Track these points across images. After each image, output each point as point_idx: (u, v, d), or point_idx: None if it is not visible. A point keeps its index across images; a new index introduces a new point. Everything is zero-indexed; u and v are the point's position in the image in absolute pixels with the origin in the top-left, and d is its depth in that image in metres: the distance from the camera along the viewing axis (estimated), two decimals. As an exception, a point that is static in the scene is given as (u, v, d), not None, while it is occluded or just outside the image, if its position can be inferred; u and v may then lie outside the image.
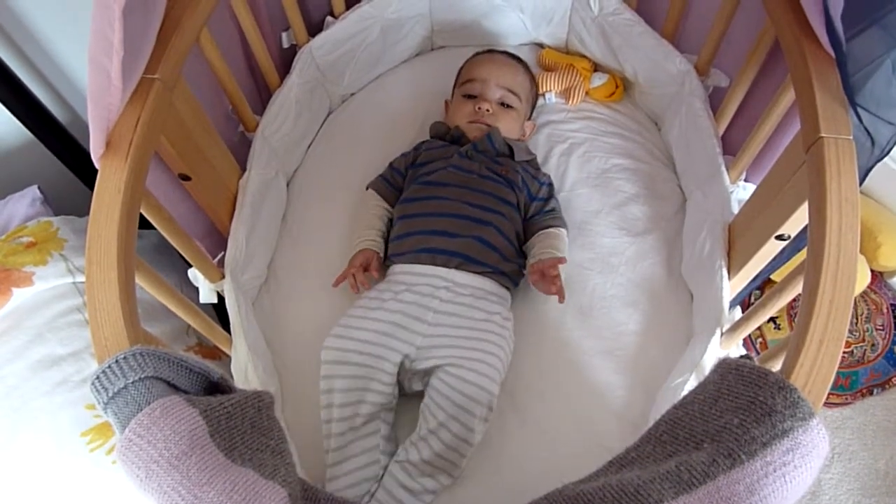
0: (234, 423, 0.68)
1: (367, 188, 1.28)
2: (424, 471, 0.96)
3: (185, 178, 1.02)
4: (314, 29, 1.40)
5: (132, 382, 0.65)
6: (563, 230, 1.19)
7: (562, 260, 1.09)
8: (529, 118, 1.41)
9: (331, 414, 1.00)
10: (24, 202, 1.29)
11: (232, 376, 1.04)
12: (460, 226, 1.14)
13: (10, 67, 1.17)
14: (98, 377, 0.65)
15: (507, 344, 1.05)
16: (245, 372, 1.02)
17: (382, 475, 0.98)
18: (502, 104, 1.31)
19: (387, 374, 1.02)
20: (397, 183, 1.28)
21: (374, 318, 1.06)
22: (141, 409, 0.63)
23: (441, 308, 1.08)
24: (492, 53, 1.39)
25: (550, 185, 1.26)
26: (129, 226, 0.79)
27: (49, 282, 1.12)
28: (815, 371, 0.66)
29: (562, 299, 1.07)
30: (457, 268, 1.11)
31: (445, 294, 1.09)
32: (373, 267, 1.15)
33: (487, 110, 1.28)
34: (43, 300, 1.11)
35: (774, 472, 0.59)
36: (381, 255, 1.19)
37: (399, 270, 1.14)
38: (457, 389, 0.98)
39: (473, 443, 0.98)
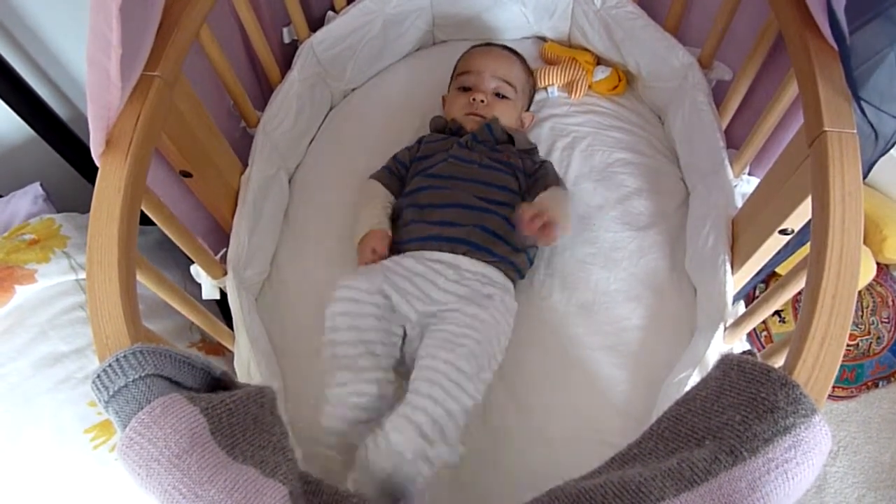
0: (236, 419, 0.68)
1: (369, 178, 1.28)
2: (422, 434, 0.90)
3: (187, 174, 1.02)
4: (315, 24, 1.39)
5: (133, 381, 0.65)
6: (557, 187, 1.19)
7: (539, 206, 1.08)
8: (528, 110, 1.40)
9: (335, 350, 1.01)
10: (27, 199, 1.29)
11: (235, 372, 1.04)
12: (465, 216, 1.14)
13: (11, 64, 1.17)
14: (99, 376, 0.65)
15: (505, 322, 1.04)
16: (248, 368, 1.02)
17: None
18: (497, 95, 1.31)
19: (395, 324, 1.05)
20: (400, 173, 1.28)
21: (382, 279, 1.08)
22: (142, 408, 0.63)
23: (445, 286, 1.08)
24: (487, 46, 1.40)
25: (544, 162, 1.26)
26: (130, 224, 0.79)
27: (52, 279, 1.12)
28: (818, 367, 0.66)
29: (547, 241, 1.07)
30: (463, 254, 1.11)
31: (452, 274, 1.09)
32: (384, 245, 1.16)
33: (482, 101, 1.28)
34: (46, 297, 1.11)
35: (777, 468, 0.59)
36: (389, 232, 1.18)
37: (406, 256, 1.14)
38: (450, 340, 0.98)
39: (466, 405, 0.94)
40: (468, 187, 1.17)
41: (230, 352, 1.06)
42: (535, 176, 1.22)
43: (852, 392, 1.56)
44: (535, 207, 1.07)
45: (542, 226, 1.04)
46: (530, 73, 1.41)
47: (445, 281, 1.08)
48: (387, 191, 1.25)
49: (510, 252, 1.13)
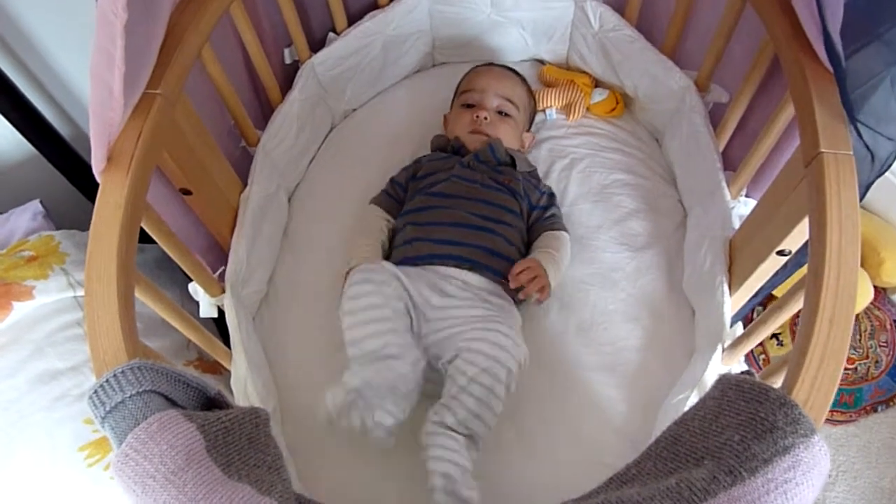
0: (232, 438, 0.68)
1: (369, 203, 1.29)
2: (461, 431, 0.94)
3: (187, 192, 1.02)
4: (316, 45, 1.41)
5: (130, 397, 0.65)
6: (564, 233, 1.20)
7: (531, 261, 1.10)
8: (528, 130, 1.41)
9: (354, 333, 1.01)
10: (26, 216, 1.29)
11: (231, 391, 1.04)
12: (468, 235, 1.14)
13: (12, 81, 1.18)
14: (96, 391, 0.65)
15: (515, 335, 1.04)
16: (244, 386, 1.01)
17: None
18: (500, 113, 1.32)
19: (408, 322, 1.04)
20: (399, 196, 1.29)
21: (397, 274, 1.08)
22: (138, 424, 0.62)
23: (451, 292, 1.09)
24: (490, 66, 1.41)
25: (551, 194, 1.27)
26: (130, 241, 0.79)
27: (50, 296, 1.12)
28: (817, 387, 0.66)
29: (525, 296, 1.09)
30: (469, 270, 1.12)
31: (459, 283, 1.10)
32: None
33: (485, 118, 1.29)
34: (43, 314, 1.11)
35: (776, 489, 0.59)
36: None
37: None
38: (483, 353, 0.97)
39: (501, 396, 0.97)
40: (470, 206, 1.17)
41: (227, 370, 1.05)
42: (545, 214, 1.23)
43: (851, 416, 1.56)
44: (531, 270, 1.09)
45: (533, 278, 1.08)
46: (531, 93, 1.43)
47: (454, 288, 1.09)
48: (386, 216, 1.26)
49: (509, 270, 1.13)
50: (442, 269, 1.12)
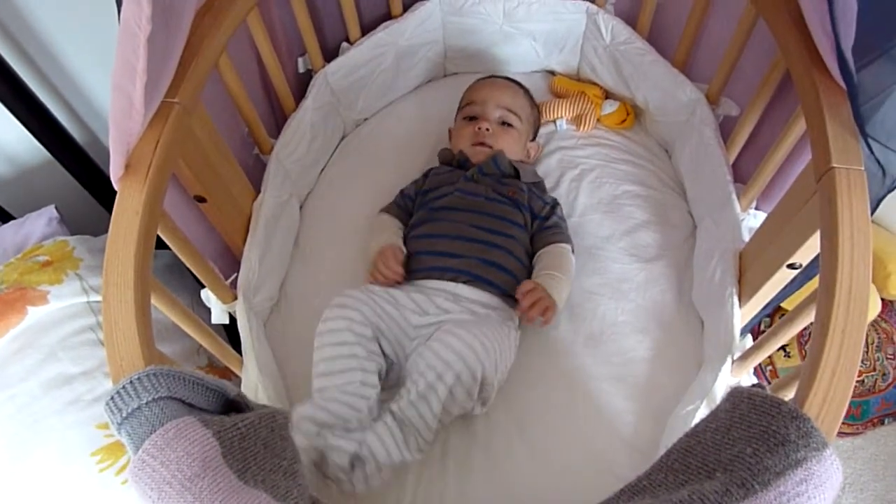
0: (248, 444, 0.68)
1: (379, 212, 1.30)
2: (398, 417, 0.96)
3: (201, 199, 1.03)
4: (330, 55, 1.42)
5: (146, 403, 0.65)
6: (564, 245, 1.19)
7: (535, 283, 1.10)
8: (533, 140, 1.42)
9: (322, 354, 1.02)
10: (41, 221, 1.30)
11: (242, 398, 1.04)
12: (468, 248, 1.15)
13: (30, 87, 1.19)
14: (112, 397, 0.65)
15: (506, 341, 1.04)
16: (255, 393, 1.02)
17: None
18: (502, 123, 1.33)
19: (380, 339, 1.05)
20: (408, 207, 1.30)
21: (380, 294, 1.09)
22: (155, 430, 0.63)
23: (443, 305, 1.10)
24: (491, 78, 1.42)
25: (554, 204, 1.27)
26: (147, 247, 0.80)
27: (64, 300, 1.13)
28: (829, 400, 0.66)
29: (530, 320, 1.10)
30: (465, 283, 1.12)
31: (450, 297, 1.11)
32: (398, 259, 1.16)
33: (487, 129, 1.30)
34: (57, 319, 1.12)
35: (788, 502, 0.59)
36: (404, 249, 1.19)
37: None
38: (441, 358, 0.97)
39: (441, 396, 0.96)
40: (473, 219, 1.18)
41: (237, 377, 1.06)
42: (545, 224, 1.23)
43: (858, 429, 1.55)
44: (535, 293, 1.09)
45: (544, 310, 1.08)
46: (534, 103, 1.43)
47: (443, 301, 1.10)
48: (397, 221, 1.27)
49: (512, 284, 1.13)
50: (434, 283, 1.13)
